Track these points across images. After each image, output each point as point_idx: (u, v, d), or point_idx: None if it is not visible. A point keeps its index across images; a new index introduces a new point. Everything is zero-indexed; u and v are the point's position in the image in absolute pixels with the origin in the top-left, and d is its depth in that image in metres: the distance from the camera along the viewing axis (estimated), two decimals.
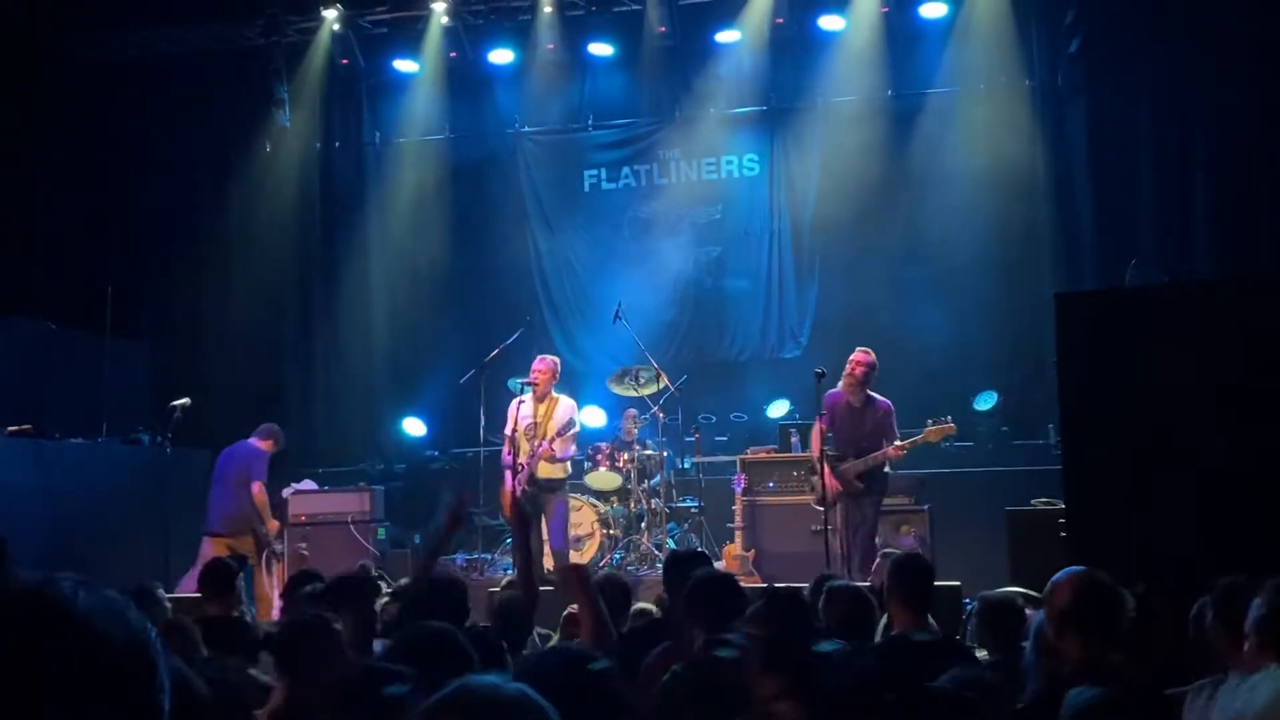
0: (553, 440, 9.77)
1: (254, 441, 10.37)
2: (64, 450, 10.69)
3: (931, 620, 5.84)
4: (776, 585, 5.17)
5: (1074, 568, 4.13)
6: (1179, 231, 11.46)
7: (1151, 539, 5.96)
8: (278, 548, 10.34)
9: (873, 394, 9.01)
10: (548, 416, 9.95)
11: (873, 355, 9.02)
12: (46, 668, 1.05)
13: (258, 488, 10.07)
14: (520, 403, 9.99)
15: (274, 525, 10.30)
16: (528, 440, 9.84)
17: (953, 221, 12.11)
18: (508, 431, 9.82)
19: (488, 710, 1.52)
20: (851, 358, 9.02)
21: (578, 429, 10.06)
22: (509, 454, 9.73)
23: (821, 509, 8.93)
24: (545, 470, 9.85)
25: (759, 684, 3.15)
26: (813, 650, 3.19)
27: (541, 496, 9.90)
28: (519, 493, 9.58)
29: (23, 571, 1.16)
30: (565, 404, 10.10)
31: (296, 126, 13.83)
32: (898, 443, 8.80)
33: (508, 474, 9.67)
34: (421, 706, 1.56)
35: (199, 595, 6.35)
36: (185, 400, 10.55)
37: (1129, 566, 4.58)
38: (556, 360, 10.26)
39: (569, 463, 10.13)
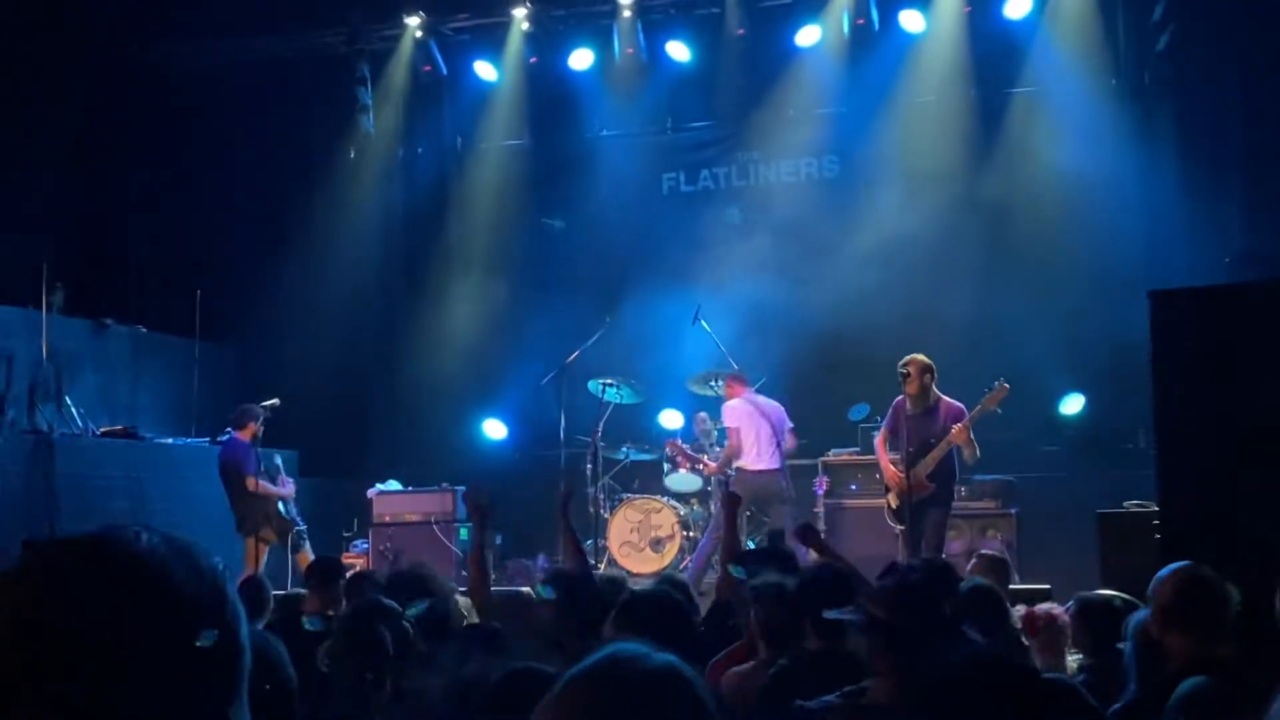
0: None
1: (236, 436, 10.33)
2: (155, 450, 10.91)
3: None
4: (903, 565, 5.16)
5: (1178, 563, 4.05)
6: (1270, 229, 11.20)
7: (1248, 541, 5.82)
8: (301, 525, 10.35)
9: (943, 397, 8.88)
10: None
11: (920, 358, 8.87)
12: (116, 611, 1.05)
13: (251, 483, 10.07)
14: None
15: (285, 494, 10.33)
16: None
17: (1038, 222, 11.95)
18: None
19: (634, 679, 1.50)
20: (900, 364, 8.91)
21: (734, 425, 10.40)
22: None
23: (899, 526, 8.86)
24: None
25: (875, 660, 3.17)
26: (927, 638, 3.21)
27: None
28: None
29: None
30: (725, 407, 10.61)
31: (380, 133, 14.01)
32: (956, 426, 8.65)
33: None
34: (568, 674, 1.55)
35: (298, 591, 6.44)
36: (274, 401, 10.70)
37: (1225, 568, 4.47)
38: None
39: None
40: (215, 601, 1.11)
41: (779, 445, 10.25)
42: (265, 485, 10.17)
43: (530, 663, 3.08)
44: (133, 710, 1.02)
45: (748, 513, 10.12)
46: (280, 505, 10.23)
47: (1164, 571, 4.02)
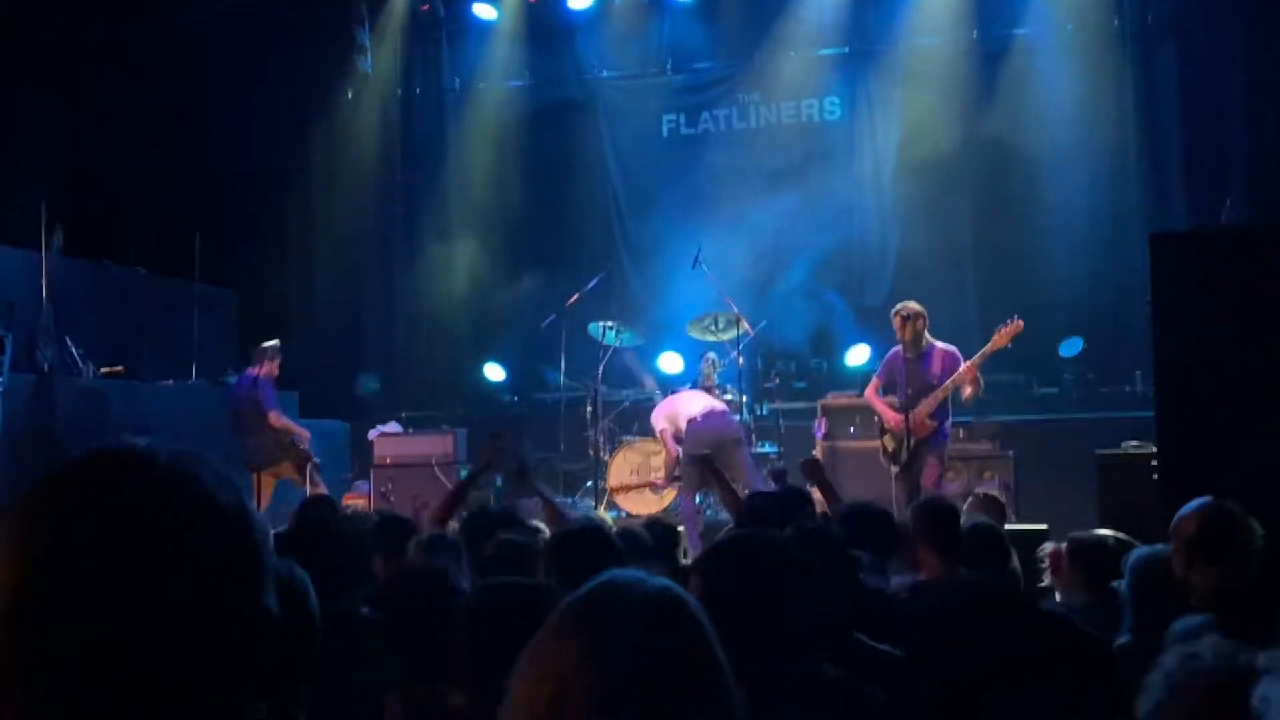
0: None
1: (251, 371, 10.35)
2: (155, 392, 10.92)
3: (1016, 568, 5.80)
4: None
5: (1201, 499, 4.06)
6: (1273, 172, 11.17)
7: (1247, 482, 5.86)
8: (316, 459, 10.41)
9: (935, 342, 8.87)
10: None
11: (913, 305, 8.83)
12: (139, 518, 1.06)
13: (273, 417, 10.09)
14: None
15: (305, 435, 10.37)
16: None
17: (1039, 164, 11.91)
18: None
19: (630, 603, 1.53)
20: (895, 312, 8.86)
21: None
22: None
23: (895, 467, 8.87)
24: None
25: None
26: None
27: None
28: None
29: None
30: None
31: (378, 73, 13.93)
32: (967, 363, 8.63)
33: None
34: (566, 601, 1.58)
35: None
36: (275, 342, 10.69)
37: None
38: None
39: None
40: (238, 504, 1.13)
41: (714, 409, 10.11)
42: (285, 419, 10.23)
43: (511, 578, 3.12)
44: (167, 611, 1.04)
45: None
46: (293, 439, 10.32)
47: (1187, 508, 4.02)
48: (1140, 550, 4.41)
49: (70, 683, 1.03)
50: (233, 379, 11.50)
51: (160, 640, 1.04)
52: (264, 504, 9.64)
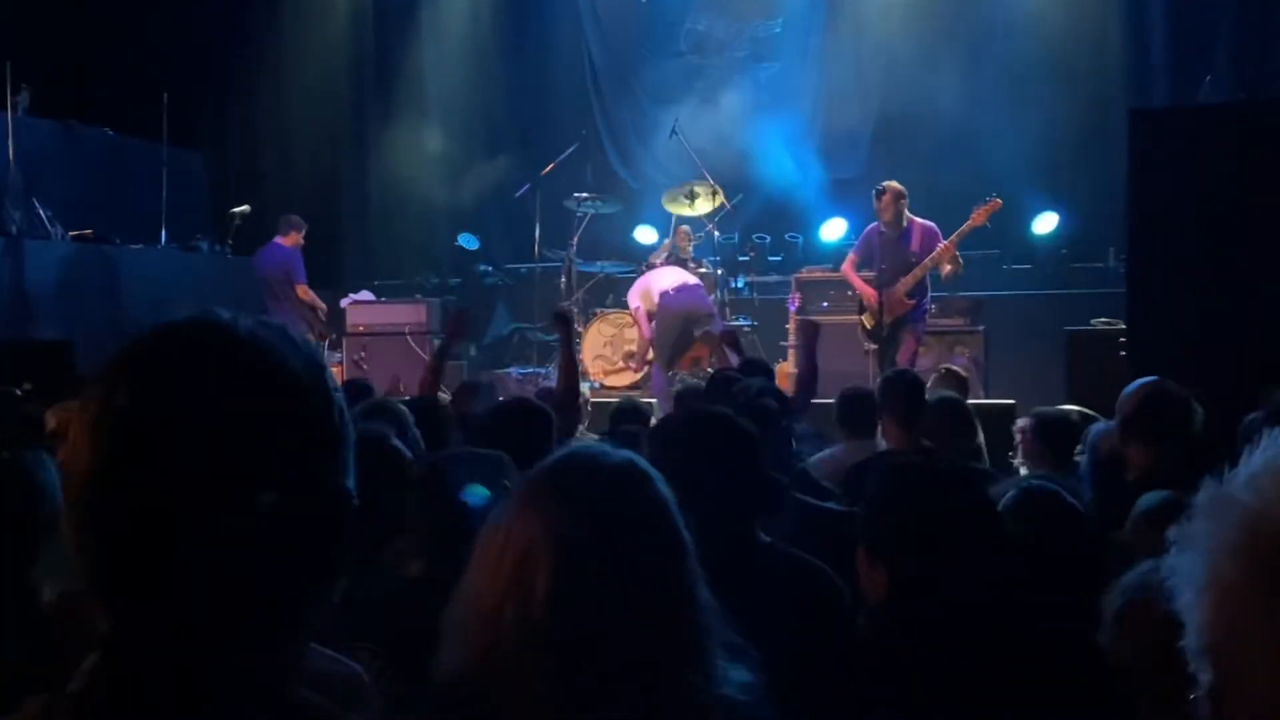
0: None
1: (279, 241, 10.47)
2: (125, 256, 10.82)
3: (979, 442, 5.87)
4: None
5: (1145, 378, 4.13)
6: (1256, 49, 11.06)
7: (1215, 360, 5.92)
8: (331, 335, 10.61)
9: (914, 218, 8.86)
10: None
11: (895, 184, 8.81)
12: (220, 390, 1.05)
13: (301, 289, 10.30)
14: None
15: (324, 309, 10.65)
16: None
17: (1020, 30, 11.77)
18: None
19: (594, 474, 1.57)
20: (876, 190, 8.86)
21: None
22: None
23: (873, 345, 8.93)
24: None
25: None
26: None
27: None
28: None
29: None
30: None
31: None
32: (944, 242, 8.66)
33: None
34: (527, 475, 1.61)
35: None
36: (245, 208, 10.63)
37: (1192, 387, 4.55)
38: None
39: None
40: (320, 379, 1.12)
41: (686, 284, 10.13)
42: (312, 294, 10.35)
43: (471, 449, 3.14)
44: (248, 484, 1.04)
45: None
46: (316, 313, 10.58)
47: (1131, 386, 4.09)
48: (1099, 425, 4.48)
49: (144, 558, 1.03)
50: (204, 244, 11.44)
51: (237, 517, 1.03)
52: None
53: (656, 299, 10.03)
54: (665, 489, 1.61)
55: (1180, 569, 1.11)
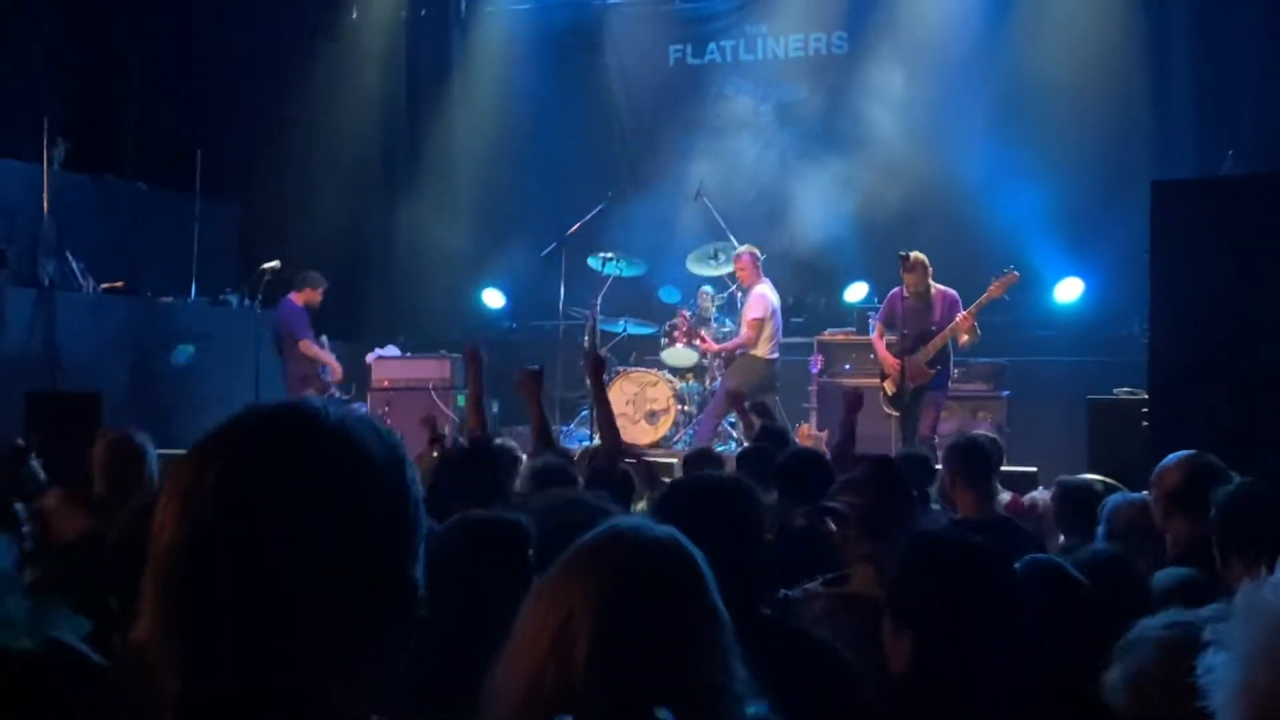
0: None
1: (291, 298, 10.72)
2: (156, 308, 10.97)
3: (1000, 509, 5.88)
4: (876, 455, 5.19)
5: (1184, 451, 4.08)
6: (1276, 123, 11.10)
7: (1235, 431, 5.92)
8: (337, 393, 10.67)
9: (936, 285, 8.97)
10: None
11: (920, 255, 8.96)
12: (305, 475, 1.10)
13: (304, 344, 10.49)
14: None
15: (336, 369, 10.77)
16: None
17: (1046, 104, 11.81)
18: None
19: (636, 547, 1.62)
20: (901, 255, 8.97)
21: (759, 316, 10.34)
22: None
23: (895, 413, 8.99)
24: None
25: (853, 548, 3.24)
26: (904, 521, 3.27)
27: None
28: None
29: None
30: (755, 293, 10.41)
31: None
32: (963, 312, 8.76)
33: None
34: (571, 548, 1.67)
35: None
36: (275, 263, 10.76)
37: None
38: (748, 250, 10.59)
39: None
40: (399, 470, 1.17)
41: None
42: (316, 349, 10.59)
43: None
44: (325, 569, 1.09)
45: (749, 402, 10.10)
46: (322, 369, 10.68)
47: (1169, 459, 4.03)
48: (1115, 497, 4.46)
49: (215, 636, 1.08)
50: (234, 298, 11.58)
51: (305, 600, 1.08)
52: None
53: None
54: (705, 564, 1.67)
55: (1216, 669, 1.13)
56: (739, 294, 11.13)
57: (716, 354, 10.88)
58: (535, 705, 1.53)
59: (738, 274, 10.73)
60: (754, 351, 10.38)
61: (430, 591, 1.20)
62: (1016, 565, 2.82)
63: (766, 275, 10.68)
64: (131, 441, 4.54)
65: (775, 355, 10.45)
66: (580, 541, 1.67)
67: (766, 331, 10.34)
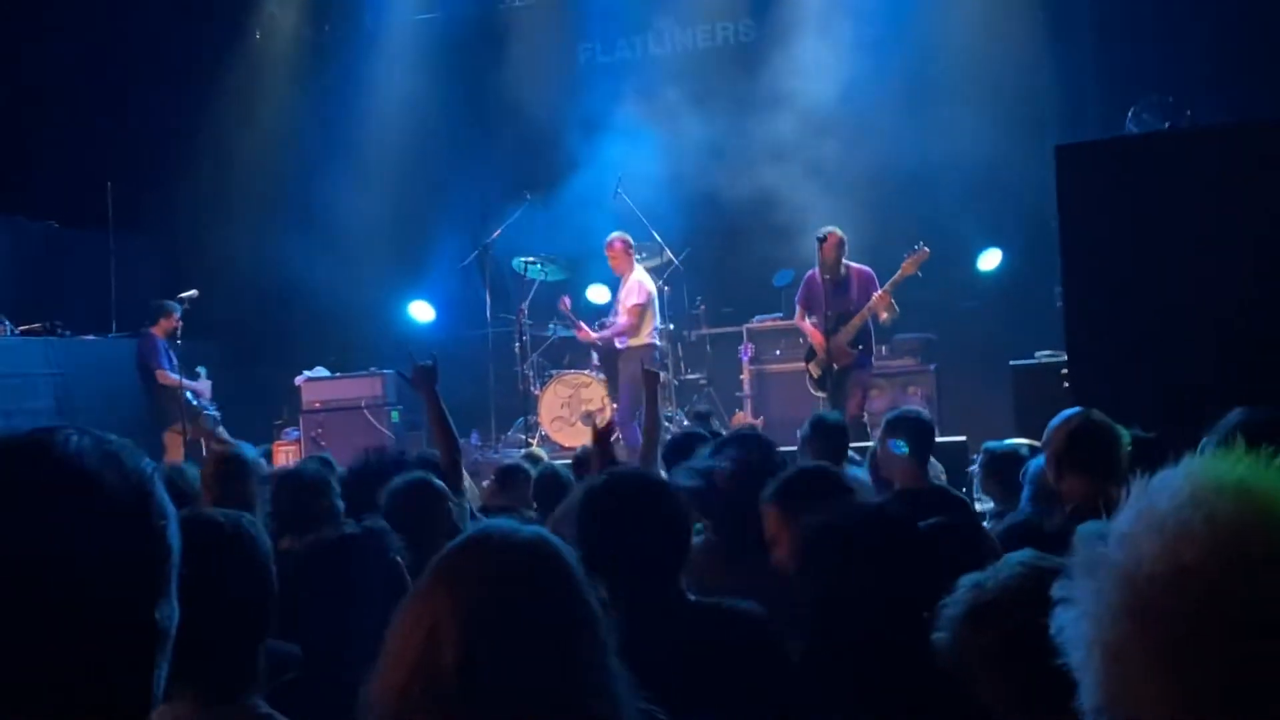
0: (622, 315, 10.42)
1: (151, 330, 10.61)
2: (75, 347, 10.78)
3: (939, 478, 5.96)
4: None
5: (1068, 410, 4.16)
6: (1180, 78, 11.25)
7: (1152, 387, 6.01)
8: (211, 412, 10.52)
9: (851, 264, 9.04)
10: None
11: (837, 230, 9.04)
12: (39, 514, 1.07)
13: (160, 374, 10.35)
14: None
15: (200, 390, 10.63)
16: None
17: (954, 76, 11.91)
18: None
19: (501, 551, 1.61)
20: (818, 237, 9.07)
21: (640, 302, 10.33)
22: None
23: (821, 394, 9.03)
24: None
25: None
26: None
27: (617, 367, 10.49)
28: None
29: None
30: (632, 280, 10.43)
31: (286, 13, 13.65)
32: (877, 294, 8.86)
33: None
34: (440, 553, 1.65)
35: None
36: (193, 292, 10.63)
37: (1131, 414, 4.61)
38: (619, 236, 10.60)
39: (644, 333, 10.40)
40: (140, 503, 1.12)
41: None
42: (172, 377, 10.39)
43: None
44: (57, 612, 1.05)
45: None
46: (189, 395, 10.46)
47: (1056, 420, 4.13)
48: (1037, 460, 4.53)
49: None
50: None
51: (26, 635, 1.04)
52: (180, 458, 9.65)
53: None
54: (574, 563, 1.65)
55: (1067, 627, 1.13)
56: (666, 288, 11.13)
57: (593, 343, 10.85)
58: (407, 715, 1.51)
59: (610, 261, 10.64)
60: (633, 341, 10.34)
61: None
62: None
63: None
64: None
65: (654, 340, 10.43)
66: (447, 548, 1.65)
67: (647, 317, 10.32)
